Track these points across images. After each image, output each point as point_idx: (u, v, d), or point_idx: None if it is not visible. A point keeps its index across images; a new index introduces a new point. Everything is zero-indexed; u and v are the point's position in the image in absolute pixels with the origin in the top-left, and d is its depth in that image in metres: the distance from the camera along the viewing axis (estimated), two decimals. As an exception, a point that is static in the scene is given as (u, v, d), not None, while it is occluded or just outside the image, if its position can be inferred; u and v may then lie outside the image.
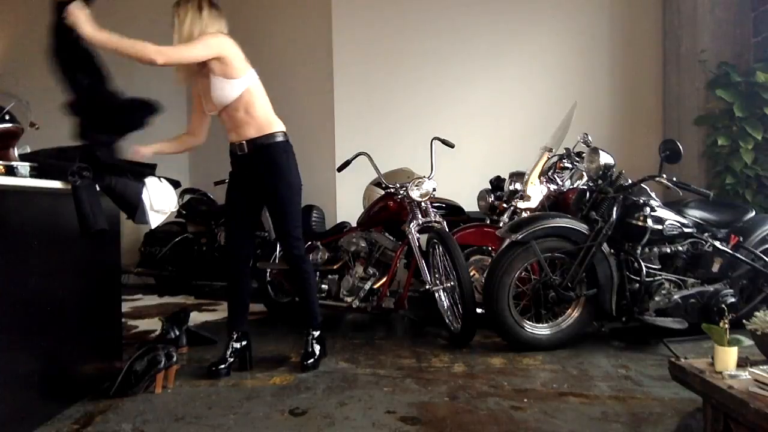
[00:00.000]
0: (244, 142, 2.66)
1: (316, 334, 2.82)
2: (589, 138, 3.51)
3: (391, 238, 3.66)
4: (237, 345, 2.73)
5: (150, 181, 2.48)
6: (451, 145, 3.66)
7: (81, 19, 2.26)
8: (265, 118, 2.67)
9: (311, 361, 2.72)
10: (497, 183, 4.09)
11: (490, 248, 3.56)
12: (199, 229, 5.27)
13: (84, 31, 2.26)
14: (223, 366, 2.64)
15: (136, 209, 2.33)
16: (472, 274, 3.46)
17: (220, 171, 4.89)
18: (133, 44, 2.35)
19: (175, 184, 2.72)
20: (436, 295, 3.26)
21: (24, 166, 1.98)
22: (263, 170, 2.67)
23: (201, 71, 2.65)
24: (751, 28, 4.59)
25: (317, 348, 2.79)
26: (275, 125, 2.70)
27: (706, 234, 3.17)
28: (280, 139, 2.69)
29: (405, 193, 3.41)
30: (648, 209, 2.97)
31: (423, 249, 3.35)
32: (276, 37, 5.41)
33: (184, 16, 2.56)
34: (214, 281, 5.14)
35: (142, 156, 2.56)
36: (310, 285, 2.83)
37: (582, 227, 3.00)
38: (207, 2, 2.62)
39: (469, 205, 4.11)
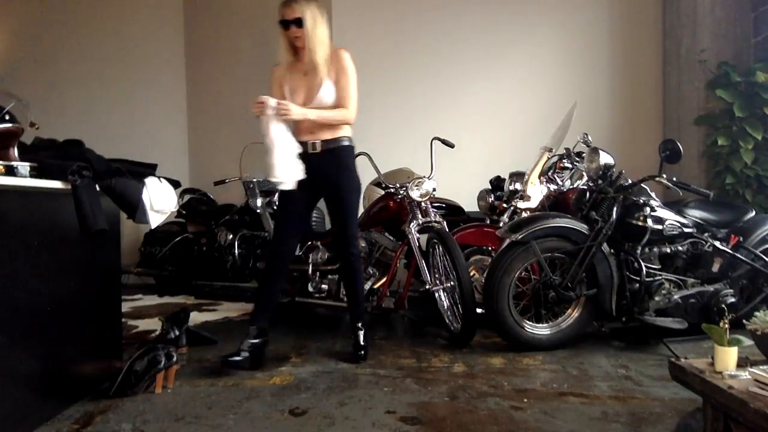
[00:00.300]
0: (317, 142, 2.79)
1: (364, 328, 2.94)
2: (589, 138, 3.51)
3: (391, 238, 3.66)
4: (255, 341, 2.75)
5: (150, 181, 2.48)
6: (451, 145, 3.66)
7: (293, 109, 2.67)
8: (343, 129, 2.87)
9: (363, 352, 2.86)
10: (497, 183, 4.09)
11: (490, 248, 3.56)
12: (199, 229, 5.26)
13: (296, 114, 2.69)
14: (236, 358, 2.64)
15: (136, 209, 2.33)
16: (472, 274, 3.46)
17: (220, 171, 4.91)
18: (333, 114, 2.79)
19: (175, 184, 2.72)
20: (436, 295, 3.26)
21: (24, 166, 1.98)
22: (332, 170, 2.83)
23: (301, 63, 2.78)
24: (751, 28, 4.59)
25: (365, 339, 2.92)
26: (346, 130, 2.88)
27: (706, 234, 3.17)
28: (347, 143, 2.88)
29: (405, 193, 3.41)
30: (648, 209, 2.97)
31: (423, 249, 3.35)
32: (275, 35, 5.41)
33: (314, 19, 2.70)
34: (214, 281, 5.14)
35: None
36: (362, 280, 3.04)
37: (582, 227, 3.00)
38: (319, 3, 2.79)
39: (469, 205, 4.11)
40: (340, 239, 2.94)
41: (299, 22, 2.68)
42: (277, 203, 4.32)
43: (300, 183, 2.81)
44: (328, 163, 2.82)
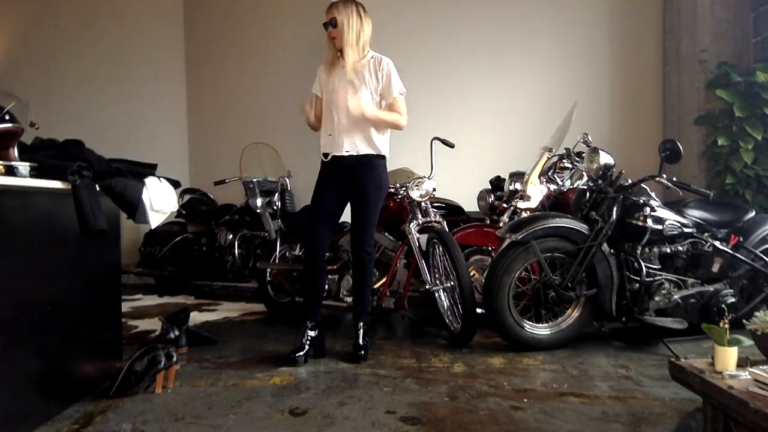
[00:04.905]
0: (352, 153, 2.89)
1: (365, 328, 2.97)
2: (589, 138, 3.51)
3: (391, 238, 3.66)
4: (312, 333, 2.91)
5: (150, 181, 2.48)
6: (451, 145, 3.66)
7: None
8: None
9: (363, 352, 2.88)
10: (497, 183, 4.09)
11: (490, 248, 3.56)
12: (199, 229, 5.27)
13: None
14: (301, 354, 2.80)
15: (136, 209, 2.33)
16: (472, 274, 3.46)
17: (220, 171, 4.91)
18: (390, 116, 2.90)
19: (175, 184, 2.72)
20: (436, 295, 3.26)
21: (24, 166, 1.97)
22: (360, 170, 2.90)
23: (341, 68, 2.89)
24: (751, 28, 4.59)
25: (365, 339, 2.95)
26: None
27: (706, 234, 3.17)
28: (381, 160, 2.96)
29: (405, 193, 3.41)
30: (648, 209, 2.97)
31: (423, 249, 3.35)
32: (275, 35, 5.41)
33: (349, 21, 2.83)
34: (214, 281, 5.14)
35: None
36: (371, 281, 3.07)
37: (582, 227, 3.00)
38: (360, 6, 2.91)
39: (469, 205, 4.11)
40: (357, 239, 2.97)
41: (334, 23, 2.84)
42: (278, 205, 4.33)
43: (331, 181, 2.92)
44: (359, 171, 2.90)
